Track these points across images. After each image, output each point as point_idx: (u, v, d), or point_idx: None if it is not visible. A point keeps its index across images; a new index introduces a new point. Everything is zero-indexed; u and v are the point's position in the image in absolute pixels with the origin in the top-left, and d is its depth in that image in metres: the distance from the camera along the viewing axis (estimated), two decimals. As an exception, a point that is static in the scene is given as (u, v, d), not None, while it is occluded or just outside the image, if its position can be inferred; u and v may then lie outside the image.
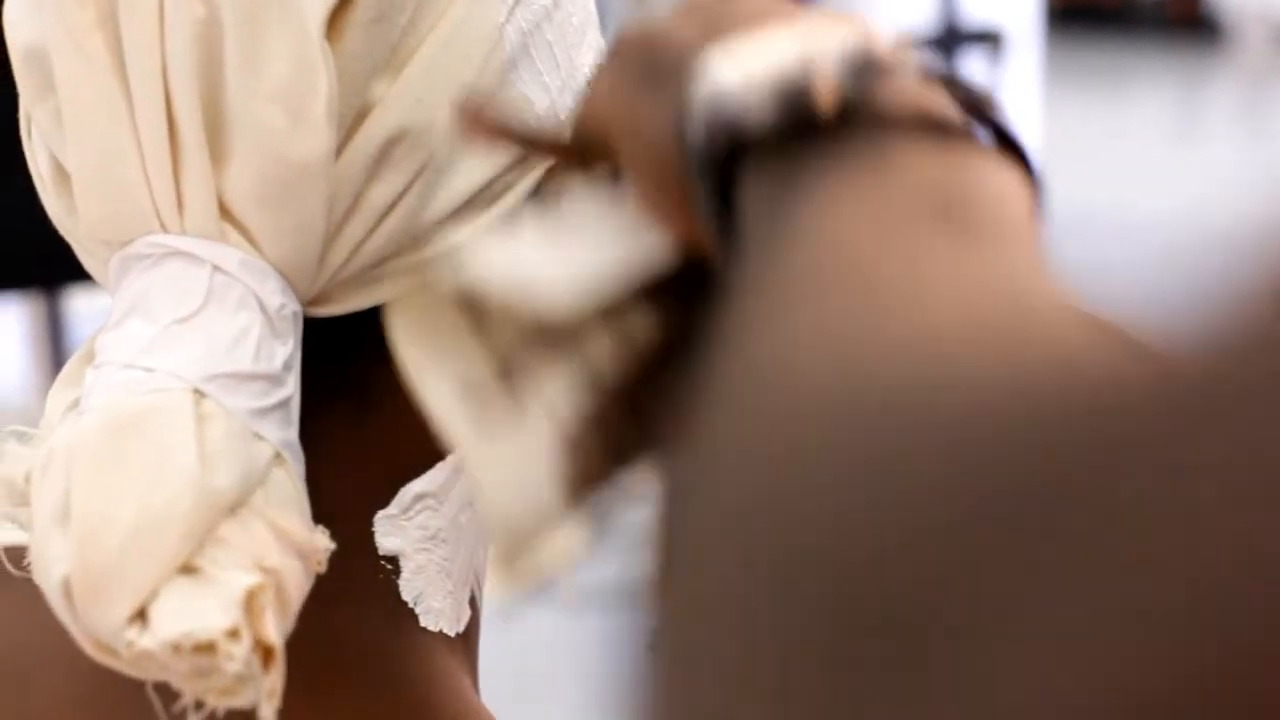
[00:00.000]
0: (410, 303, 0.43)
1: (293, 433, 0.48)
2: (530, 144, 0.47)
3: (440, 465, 0.54)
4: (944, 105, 0.36)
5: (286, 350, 0.48)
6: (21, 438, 0.51)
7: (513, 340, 0.43)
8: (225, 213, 0.48)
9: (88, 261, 0.52)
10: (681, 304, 0.42)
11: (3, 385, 3.75)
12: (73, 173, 0.50)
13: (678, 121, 0.38)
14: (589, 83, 0.45)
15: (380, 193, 0.49)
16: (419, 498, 0.53)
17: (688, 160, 0.37)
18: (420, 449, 0.53)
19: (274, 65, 0.47)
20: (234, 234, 0.48)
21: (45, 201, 0.53)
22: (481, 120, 0.46)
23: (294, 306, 0.49)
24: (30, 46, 0.50)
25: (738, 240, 0.36)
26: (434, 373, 0.42)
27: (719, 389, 0.29)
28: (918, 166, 0.33)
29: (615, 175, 0.43)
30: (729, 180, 0.37)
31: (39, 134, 0.52)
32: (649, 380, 0.43)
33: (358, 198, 0.49)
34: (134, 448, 0.45)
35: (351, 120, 0.49)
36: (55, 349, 1.39)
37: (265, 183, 0.48)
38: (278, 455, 0.47)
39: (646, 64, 0.41)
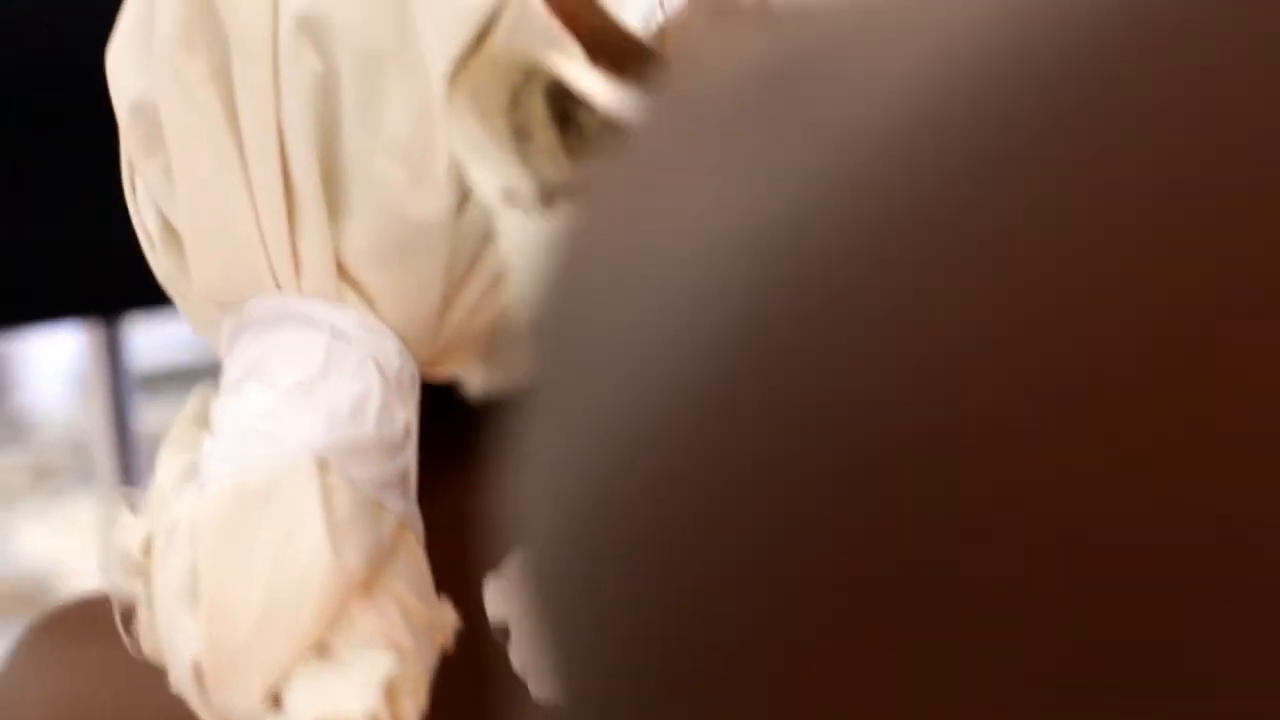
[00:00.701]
0: (468, 96, 0.42)
1: (413, 502, 0.47)
2: (600, 34, 0.45)
3: None
4: None
5: (406, 414, 0.47)
6: (135, 506, 0.49)
7: (551, 170, 0.42)
8: (342, 272, 0.47)
9: (196, 321, 0.51)
10: None
11: (59, 406, 3.77)
12: (184, 232, 0.48)
13: None
14: (665, 18, 0.46)
15: (497, 257, 0.48)
16: None
17: None
18: None
19: (394, 121, 0.46)
20: (352, 294, 0.47)
21: (151, 259, 0.51)
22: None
23: (412, 369, 0.47)
24: (137, 99, 0.49)
25: None
26: (479, 164, 0.41)
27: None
28: None
29: None
30: None
31: (145, 190, 0.50)
32: None
33: (476, 257, 0.48)
34: (261, 523, 0.43)
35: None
36: (113, 375, 1.39)
37: (384, 242, 0.46)
38: (401, 526, 0.45)
39: (723, 3, 0.44)
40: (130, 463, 1.39)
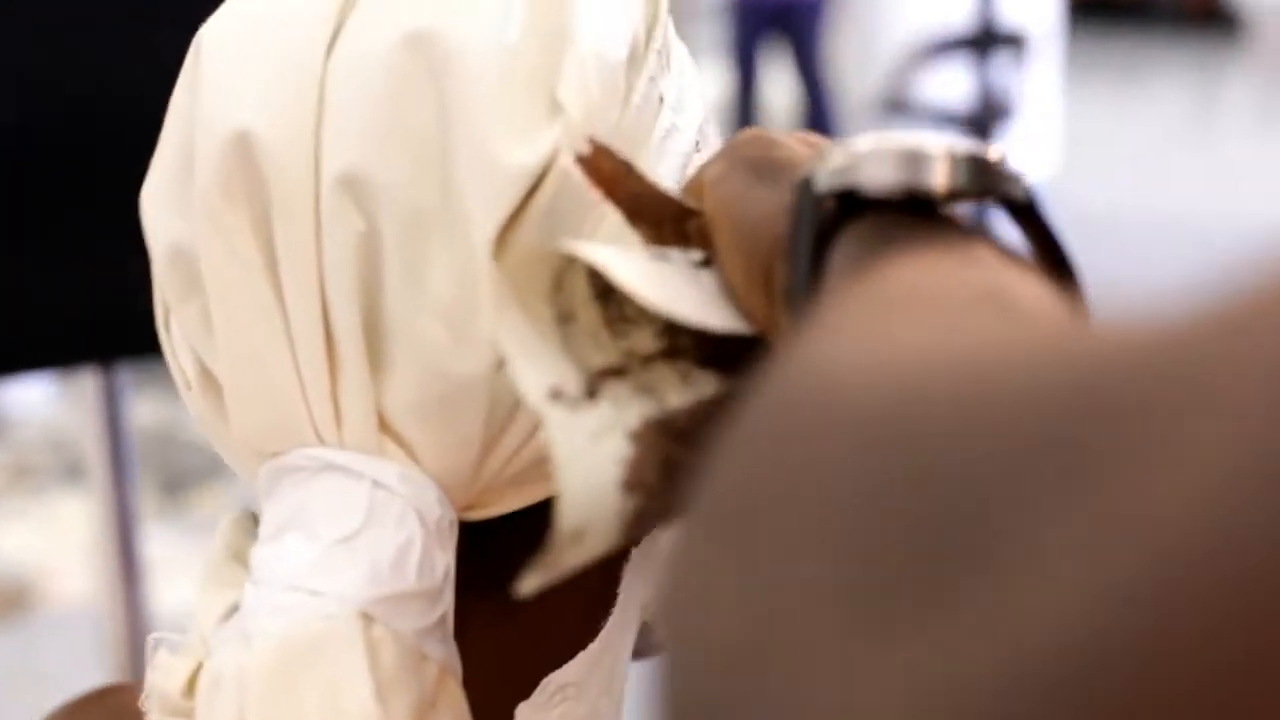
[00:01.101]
0: (512, 289, 0.43)
1: (453, 646, 0.47)
2: (639, 200, 0.46)
3: (582, 655, 0.53)
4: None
5: (446, 561, 0.48)
6: (172, 647, 0.50)
7: (594, 353, 0.43)
8: (384, 426, 0.47)
9: (232, 462, 0.52)
10: (748, 372, 0.43)
11: (38, 403, 3.75)
12: (224, 380, 0.49)
13: (796, 185, 0.39)
14: (698, 168, 0.46)
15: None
16: (561, 688, 0.53)
17: (795, 215, 0.39)
18: (563, 639, 0.53)
19: (437, 280, 0.46)
20: (393, 447, 0.47)
21: (188, 401, 0.52)
22: (601, 165, 0.45)
23: (451, 516, 0.48)
24: (174, 243, 0.49)
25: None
26: (526, 365, 0.42)
27: (765, 387, 0.30)
28: (989, 264, 0.35)
29: (707, 260, 0.45)
30: (824, 252, 0.38)
31: (181, 333, 0.51)
32: (712, 429, 0.43)
33: (516, 406, 0.48)
34: (308, 680, 0.44)
35: None
36: (112, 435, 1.37)
37: (425, 397, 0.47)
38: (442, 672, 0.46)
39: (760, 161, 0.44)
40: (121, 459, 1.38)
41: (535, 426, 0.49)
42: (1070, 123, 6.31)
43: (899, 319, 0.29)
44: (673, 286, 0.42)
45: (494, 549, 0.51)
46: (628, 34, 0.51)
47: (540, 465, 0.50)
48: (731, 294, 0.43)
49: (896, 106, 5.78)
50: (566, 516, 0.39)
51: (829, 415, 0.24)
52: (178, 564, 2.94)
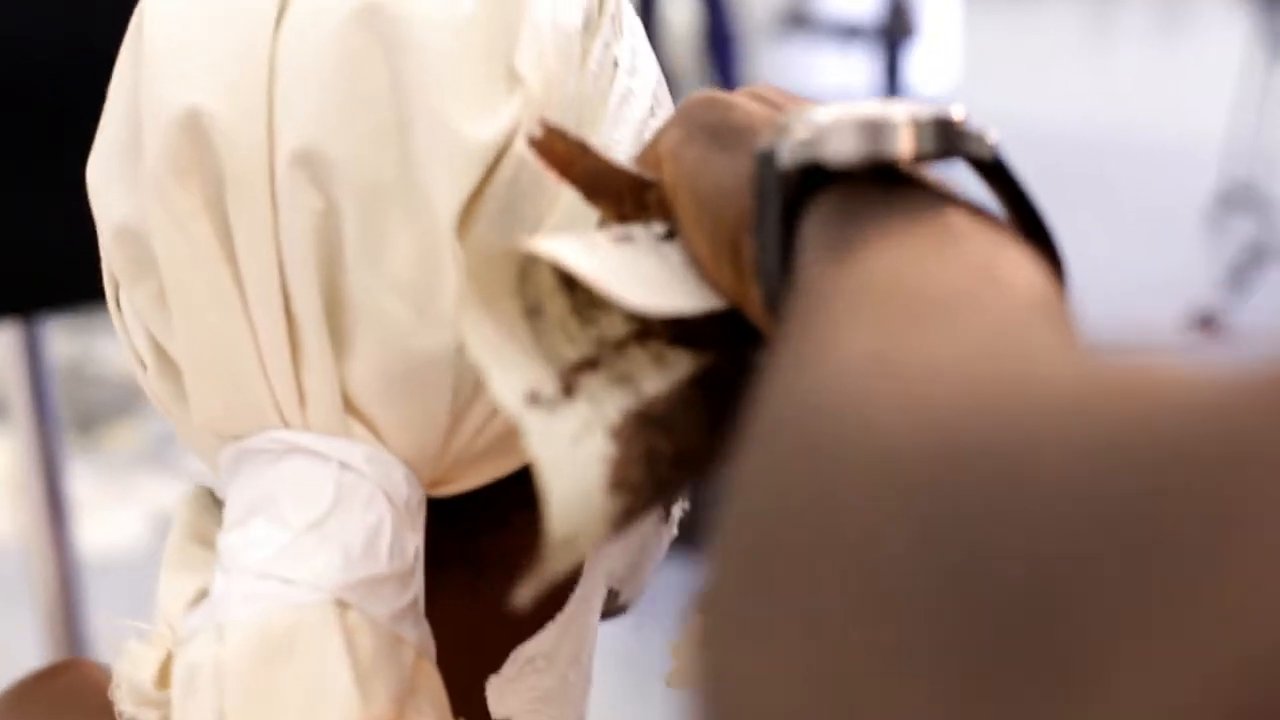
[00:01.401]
0: (477, 290, 0.42)
1: (426, 627, 0.47)
2: (596, 178, 0.45)
3: (550, 626, 0.53)
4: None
5: (416, 541, 0.47)
6: (141, 635, 0.49)
7: (565, 345, 0.42)
8: (348, 406, 0.47)
9: (192, 445, 0.51)
10: (721, 346, 0.43)
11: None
12: (182, 363, 0.48)
13: (757, 156, 0.39)
14: (653, 136, 0.46)
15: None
16: (530, 659, 0.53)
17: (760, 186, 0.38)
18: (531, 611, 0.53)
19: (398, 257, 0.46)
20: (358, 428, 0.47)
21: (144, 383, 0.51)
22: (555, 147, 0.45)
23: (420, 494, 0.48)
24: (123, 222, 0.48)
25: (791, 279, 0.37)
26: (499, 372, 0.41)
27: (780, 407, 0.29)
28: (969, 236, 0.35)
29: (670, 231, 0.44)
30: (793, 226, 0.38)
31: (134, 314, 0.50)
32: (691, 412, 0.43)
33: (480, 383, 0.48)
34: (287, 671, 0.44)
35: None
36: (33, 375, 1.35)
37: (389, 376, 0.46)
38: (418, 655, 0.46)
39: (716, 126, 0.43)
40: (43, 398, 1.36)
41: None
42: (970, 35, 6.33)
43: (906, 326, 0.29)
44: (638, 271, 0.42)
45: (458, 523, 0.51)
46: None
47: (506, 439, 0.49)
48: (698, 266, 0.43)
49: (798, 21, 5.77)
50: (557, 526, 0.38)
51: (872, 469, 0.24)
52: (94, 502, 2.91)
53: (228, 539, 0.47)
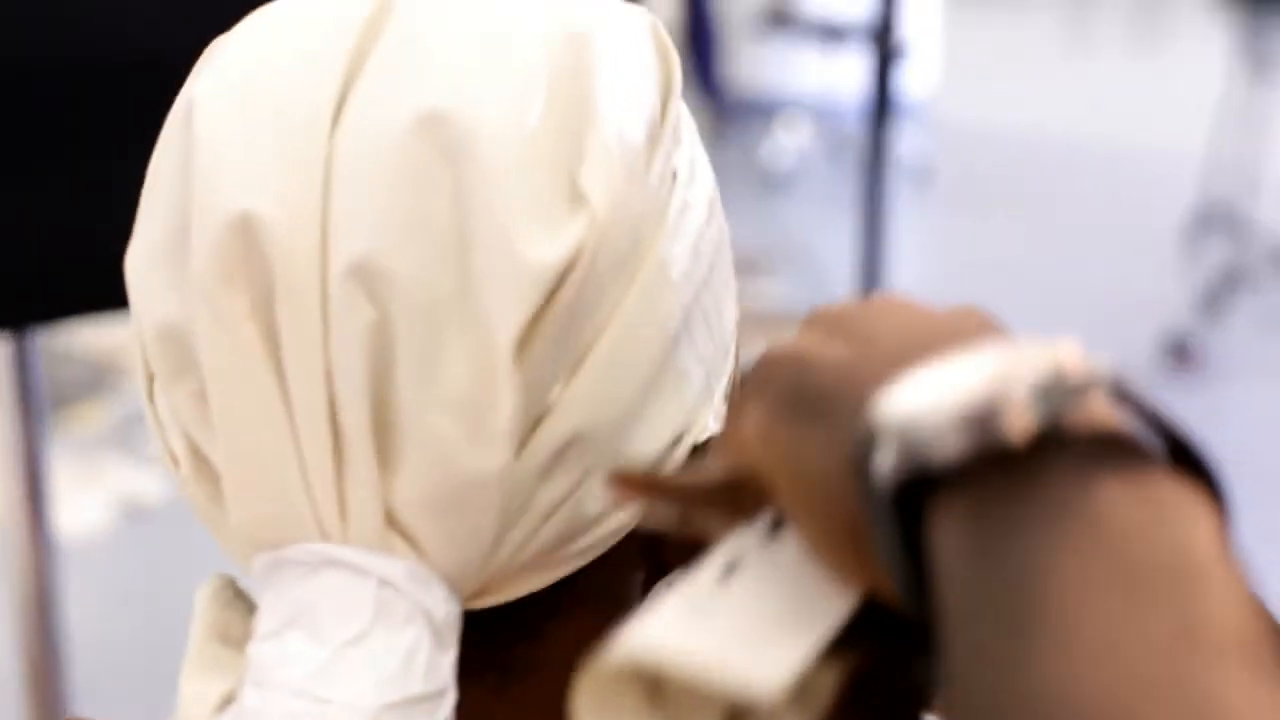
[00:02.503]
0: (591, 682, 0.40)
1: None
2: (685, 497, 0.44)
3: None
4: (1130, 423, 0.35)
5: (451, 658, 0.46)
6: None
7: (699, 714, 0.40)
8: (390, 521, 0.46)
9: (224, 545, 0.50)
10: (865, 640, 0.40)
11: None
12: (221, 468, 0.47)
13: (853, 458, 0.35)
14: (731, 412, 0.42)
15: (549, 495, 0.47)
16: None
17: (869, 499, 0.35)
18: (554, 717, 0.52)
19: (451, 375, 0.45)
20: (399, 543, 0.46)
21: (179, 482, 0.50)
22: (633, 484, 0.43)
23: (457, 610, 0.47)
24: (166, 321, 0.47)
25: (930, 579, 0.34)
26: None
27: None
28: (1116, 518, 0.32)
29: (777, 522, 0.41)
30: (912, 518, 0.35)
31: (172, 413, 0.48)
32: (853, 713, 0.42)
33: (527, 500, 0.47)
34: None
35: (528, 426, 0.46)
36: (24, 390, 1.34)
37: (436, 494, 0.45)
38: None
39: (798, 396, 0.39)
40: (27, 378, 1.35)
41: (545, 516, 0.47)
42: (950, 42, 6.34)
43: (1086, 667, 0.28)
44: (749, 619, 0.38)
45: (491, 632, 0.50)
46: (646, 109, 0.49)
47: (547, 554, 0.48)
48: (817, 554, 0.39)
49: (781, 20, 5.76)
50: None
51: None
52: (65, 482, 2.88)
53: (261, 650, 0.46)
